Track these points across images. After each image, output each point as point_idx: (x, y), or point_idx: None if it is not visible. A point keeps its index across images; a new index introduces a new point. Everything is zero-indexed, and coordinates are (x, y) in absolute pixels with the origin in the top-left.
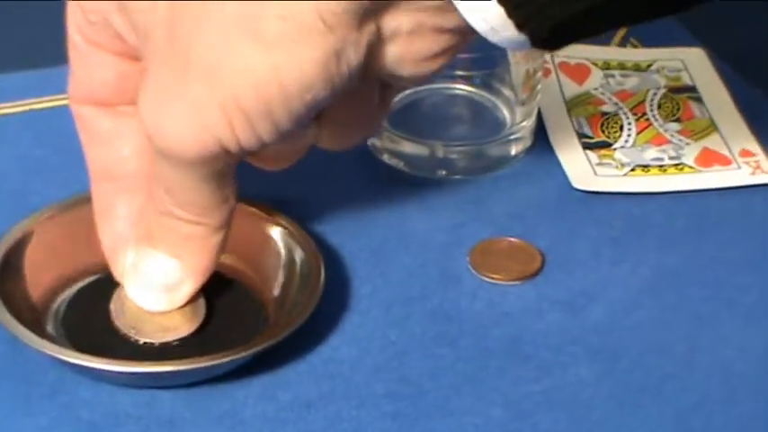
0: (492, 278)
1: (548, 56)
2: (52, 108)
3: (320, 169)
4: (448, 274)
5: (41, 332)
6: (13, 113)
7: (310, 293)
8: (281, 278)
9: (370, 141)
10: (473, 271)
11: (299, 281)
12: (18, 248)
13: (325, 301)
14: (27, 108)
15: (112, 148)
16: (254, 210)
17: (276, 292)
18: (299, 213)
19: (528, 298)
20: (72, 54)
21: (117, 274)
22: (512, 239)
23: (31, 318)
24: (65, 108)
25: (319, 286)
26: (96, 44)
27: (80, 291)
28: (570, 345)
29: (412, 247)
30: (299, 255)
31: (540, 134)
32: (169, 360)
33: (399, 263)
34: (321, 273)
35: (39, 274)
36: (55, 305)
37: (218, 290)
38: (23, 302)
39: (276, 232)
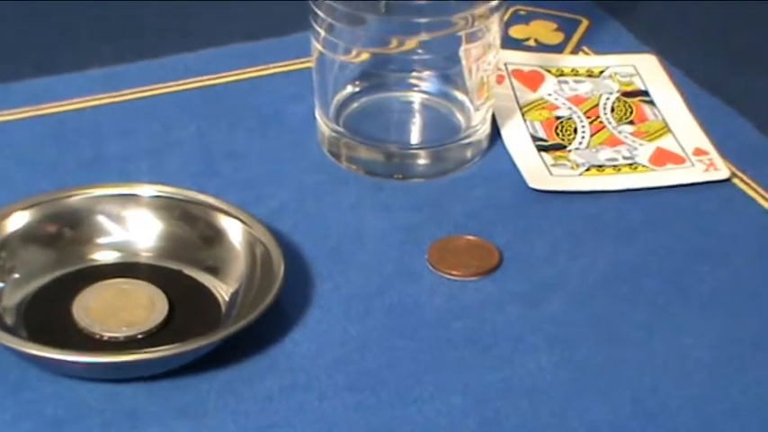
0: (451, 274)
1: (501, 63)
2: (8, 122)
3: (280, 172)
4: (406, 271)
5: (4, 327)
6: None
7: (270, 287)
8: (241, 274)
9: (329, 148)
10: (431, 268)
11: (260, 276)
12: None
13: (287, 298)
14: None
15: None
16: (215, 206)
17: (237, 287)
18: (260, 215)
19: (487, 292)
20: None
21: None
22: (469, 237)
23: None
24: (22, 121)
25: (279, 280)
26: None
27: (41, 289)
28: (530, 335)
29: (371, 246)
30: (259, 250)
31: (495, 138)
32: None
33: (358, 261)
34: (281, 267)
35: None
36: (14, 303)
37: (179, 286)
38: None
39: (237, 229)
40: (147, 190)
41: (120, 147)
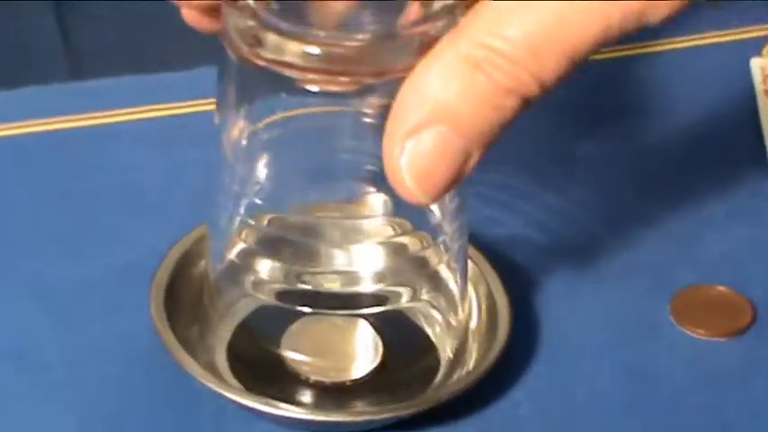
0: (695, 332)
1: None
2: None
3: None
4: (646, 324)
5: (210, 369)
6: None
7: (494, 340)
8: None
9: None
10: (674, 322)
11: (484, 321)
12: (185, 263)
13: (510, 346)
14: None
15: None
16: None
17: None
18: (489, 248)
19: (734, 357)
20: None
21: None
22: (720, 288)
23: (197, 340)
24: None
25: (505, 334)
26: None
27: (252, 314)
28: None
29: (608, 288)
30: (482, 291)
31: (763, 168)
32: (336, 405)
33: (594, 305)
34: (507, 317)
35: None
36: (224, 328)
37: (395, 328)
38: (190, 322)
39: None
40: None
41: None
